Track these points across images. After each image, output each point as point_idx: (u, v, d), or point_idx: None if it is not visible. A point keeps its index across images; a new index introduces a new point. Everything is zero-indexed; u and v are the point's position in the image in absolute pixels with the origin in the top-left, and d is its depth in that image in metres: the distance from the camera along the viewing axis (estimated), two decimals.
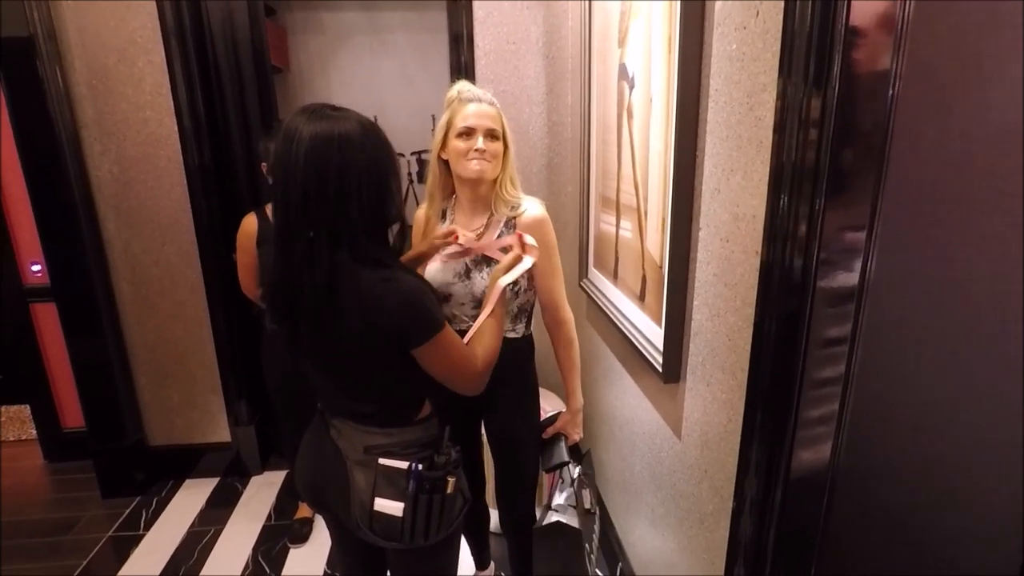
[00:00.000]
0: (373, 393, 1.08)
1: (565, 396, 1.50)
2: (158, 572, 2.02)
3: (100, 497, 2.44)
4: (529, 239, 1.22)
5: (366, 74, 3.87)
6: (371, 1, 3.73)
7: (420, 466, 1.07)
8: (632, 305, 1.51)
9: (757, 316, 0.89)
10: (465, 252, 1.33)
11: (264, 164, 1.88)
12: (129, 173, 2.22)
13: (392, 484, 1.07)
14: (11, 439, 2.91)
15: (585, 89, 1.89)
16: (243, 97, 2.47)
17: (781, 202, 0.80)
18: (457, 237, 1.28)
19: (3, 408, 2.89)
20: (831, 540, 0.86)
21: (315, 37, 3.80)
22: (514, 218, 1.36)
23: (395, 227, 1.07)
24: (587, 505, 1.49)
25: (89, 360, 2.32)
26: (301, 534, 2.16)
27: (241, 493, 2.49)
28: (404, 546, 1.09)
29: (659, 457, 1.44)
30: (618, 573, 1.81)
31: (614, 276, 1.68)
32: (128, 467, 2.46)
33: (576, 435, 1.51)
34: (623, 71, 1.49)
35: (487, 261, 1.35)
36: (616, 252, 1.64)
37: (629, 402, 1.67)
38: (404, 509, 1.06)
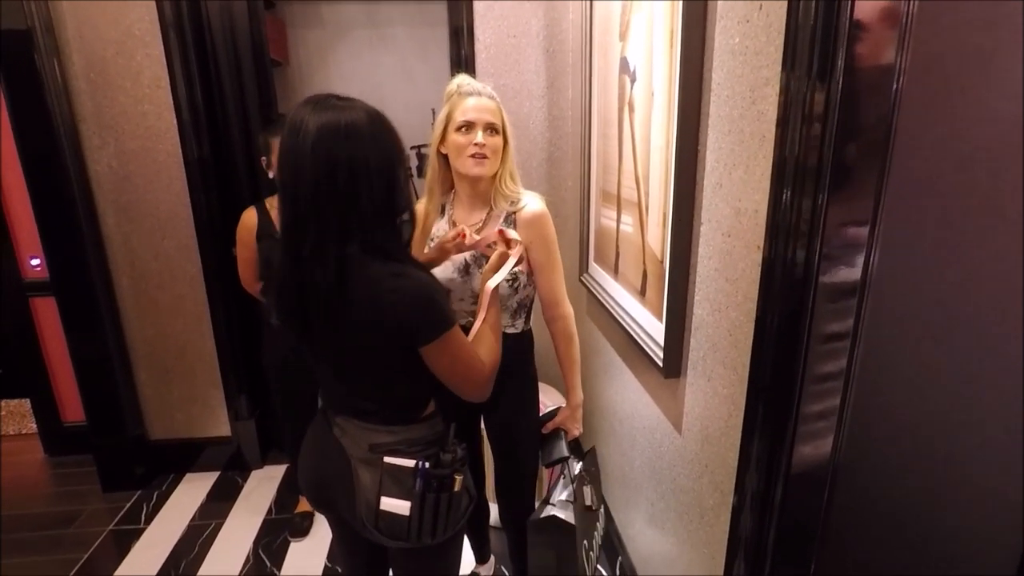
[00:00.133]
0: (378, 390, 1.07)
1: (565, 391, 1.50)
2: (159, 566, 2.02)
3: (101, 491, 2.44)
4: (512, 232, 1.21)
5: (366, 68, 3.85)
6: None
7: (427, 464, 1.05)
8: (633, 300, 1.51)
9: (759, 311, 0.89)
10: (459, 247, 1.32)
11: (263, 158, 1.87)
12: (128, 167, 2.21)
13: (398, 483, 1.05)
14: (11, 433, 2.92)
15: (586, 83, 1.88)
16: (242, 91, 2.45)
17: (783, 197, 0.80)
18: (465, 237, 1.27)
19: (3, 402, 2.89)
20: (832, 535, 0.86)
21: (314, 31, 3.78)
22: (514, 213, 1.35)
23: (404, 216, 1.04)
24: (588, 502, 1.48)
25: (89, 354, 2.31)
26: (302, 528, 2.17)
27: (241, 487, 2.49)
28: (410, 545, 1.07)
29: (659, 452, 1.44)
30: (618, 568, 1.82)
31: (615, 271, 1.68)
32: (128, 461, 2.47)
33: (576, 430, 1.51)
34: (624, 65, 1.48)
35: (487, 257, 1.34)
36: (617, 247, 1.64)
37: (629, 397, 1.67)
38: (411, 508, 1.04)
